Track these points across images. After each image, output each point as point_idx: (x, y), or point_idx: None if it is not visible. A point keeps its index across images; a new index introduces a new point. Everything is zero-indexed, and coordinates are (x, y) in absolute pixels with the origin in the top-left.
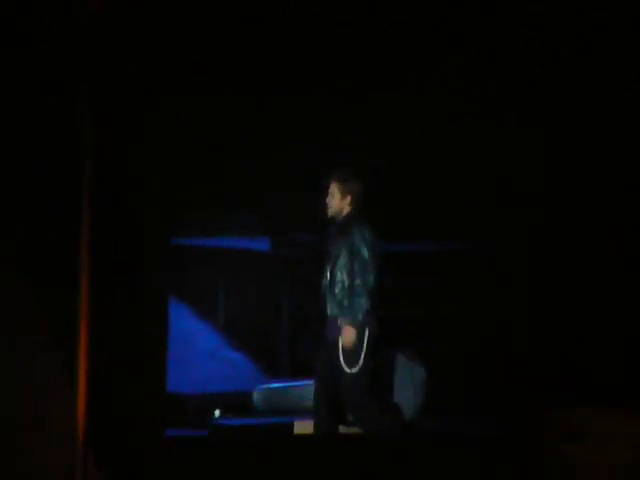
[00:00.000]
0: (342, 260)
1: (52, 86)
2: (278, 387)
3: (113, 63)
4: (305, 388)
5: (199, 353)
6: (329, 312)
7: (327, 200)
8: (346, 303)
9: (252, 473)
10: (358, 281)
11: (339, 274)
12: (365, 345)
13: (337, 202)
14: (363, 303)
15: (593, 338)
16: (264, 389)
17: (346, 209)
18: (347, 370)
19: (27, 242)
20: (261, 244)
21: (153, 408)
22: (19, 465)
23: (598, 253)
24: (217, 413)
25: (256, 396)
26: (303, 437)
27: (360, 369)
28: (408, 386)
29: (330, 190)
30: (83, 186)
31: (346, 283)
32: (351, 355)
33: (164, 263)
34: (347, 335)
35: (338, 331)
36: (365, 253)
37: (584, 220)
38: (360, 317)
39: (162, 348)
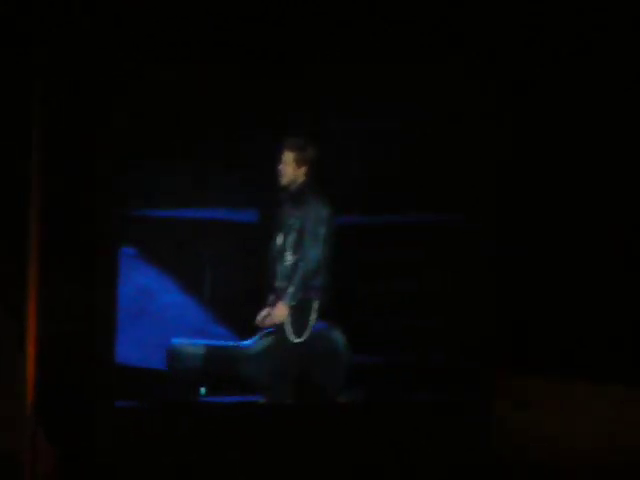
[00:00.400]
0: (292, 234)
1: None
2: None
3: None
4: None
5: (186, 329)
6: (277, 284)
7: (280, 168)
8: (291, 279)
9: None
10: (307, 256)
11: (288, 248)
12: (310, 319)
13: (291, 171)
14: (309, 280)
15: (550, 309)
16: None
17: (300, 178)
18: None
19: None
20: (247, 215)
21: (102, 378)
22: None
23: (562, 226)
24: (203, 390)
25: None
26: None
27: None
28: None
29: (284, 158)
30: (33, 151)
31: (293, 258)
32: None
33: (115, 231)
34: (278, 311)
35: None
36: (318, 228)
37: (552, 191)
38: (298, 295)
39: (111, 319)
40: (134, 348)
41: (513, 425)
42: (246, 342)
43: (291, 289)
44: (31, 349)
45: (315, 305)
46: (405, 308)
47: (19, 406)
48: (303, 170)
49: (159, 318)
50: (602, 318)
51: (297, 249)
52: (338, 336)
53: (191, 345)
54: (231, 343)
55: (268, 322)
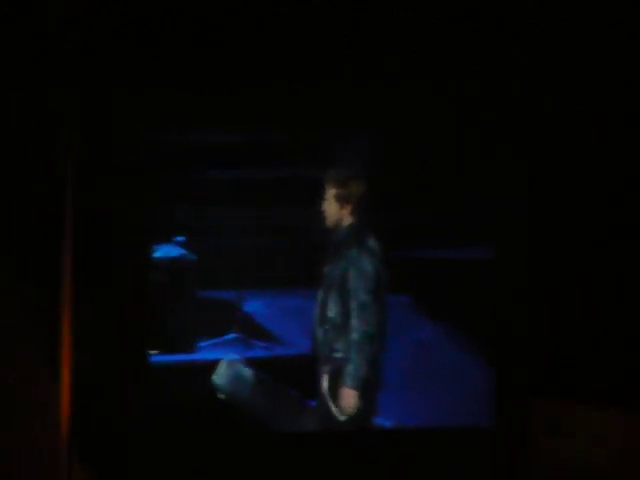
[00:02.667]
0: (334, 291)
1: None
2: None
3: None
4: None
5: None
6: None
7: (323, 207)
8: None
9: None
10: (353, 325)
11: (331, 308)
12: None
13: (335, 210)
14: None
15: (582, 333)
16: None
17: (347, 219)
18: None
19: (8, 233)
20: None
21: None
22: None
23: (584, 247)
24: None
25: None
26: None
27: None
28: None
29: (326, 195)
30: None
31: (336, 321)
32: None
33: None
34: (347, 400)
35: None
36: (359, 292)
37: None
38: (361, 374)
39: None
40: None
41: (545, 449)
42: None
43: (350, 368)
44: (66, 378)
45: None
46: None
47: (54, 437)
48: (349, 209)
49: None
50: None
51: (340, 314)
52: None
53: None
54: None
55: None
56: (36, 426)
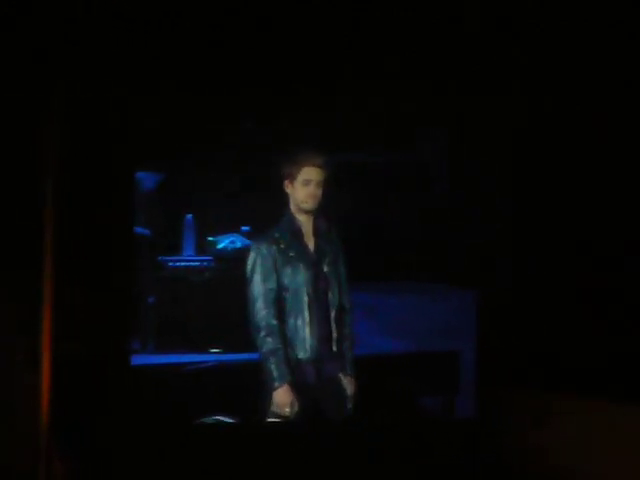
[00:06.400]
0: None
1: None
2: None
3: None
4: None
5: None
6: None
7: (310, 191)
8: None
9: None
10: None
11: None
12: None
13: (319, 194)
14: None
15: (564, 324)
16: None
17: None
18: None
19: None
20: None
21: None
22: None
23: (567, 241)
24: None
25: None
26: None
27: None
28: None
29: (314, 177)
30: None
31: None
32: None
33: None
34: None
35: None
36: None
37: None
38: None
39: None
40: None
41: (531, 441)
42: None
43: (349, 353)
44: (46, 367)
45: None
46: None
47: (33, 423)
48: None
49: None
50: (621, 336)
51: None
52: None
53: None
54: None
55: None
56: (16, 418)
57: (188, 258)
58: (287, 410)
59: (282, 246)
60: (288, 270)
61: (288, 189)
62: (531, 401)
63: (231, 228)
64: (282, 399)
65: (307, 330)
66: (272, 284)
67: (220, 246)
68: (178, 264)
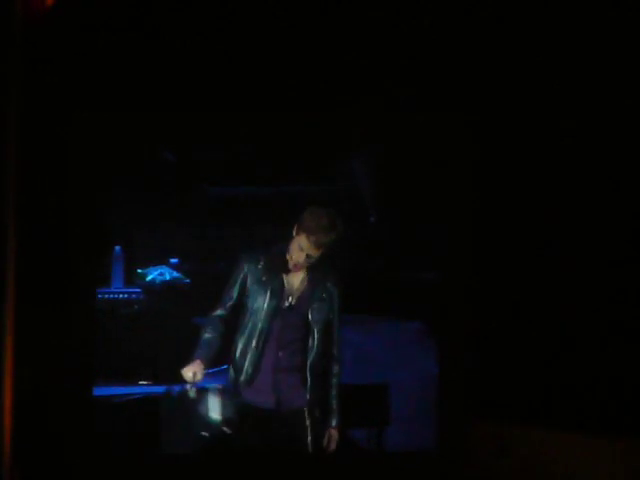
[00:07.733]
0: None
1: None
2: None
3: None
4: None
5: None
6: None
7: (293, 253)
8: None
9: None
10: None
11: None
12: None
13: (304, 258)
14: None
15: (528, 353)
16: None
17: (313, 260)
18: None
19: None
20: None
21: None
22: None
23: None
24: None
25: None
26: None
27: None
28: None
29: (300, 243)
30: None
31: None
32: None
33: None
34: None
35: None
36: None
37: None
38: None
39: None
40: None
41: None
42: None
43: (333, 402)
44: (8, 398)
45: None
46: None
47: None
48: (320, 252)
49: None
50: (588, 369)
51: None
52: None
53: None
54: None
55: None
56: None
57: (117, 290)
58: (189, 375)
59: (259, 266)
60: (255, 289)
61: (294, 231)
62: (494, 432)
63: (160, 260)
64: (187, 367)
65: (248, 356)
66: (233, 294)
67: (149, 278)
68: (107, 296)
